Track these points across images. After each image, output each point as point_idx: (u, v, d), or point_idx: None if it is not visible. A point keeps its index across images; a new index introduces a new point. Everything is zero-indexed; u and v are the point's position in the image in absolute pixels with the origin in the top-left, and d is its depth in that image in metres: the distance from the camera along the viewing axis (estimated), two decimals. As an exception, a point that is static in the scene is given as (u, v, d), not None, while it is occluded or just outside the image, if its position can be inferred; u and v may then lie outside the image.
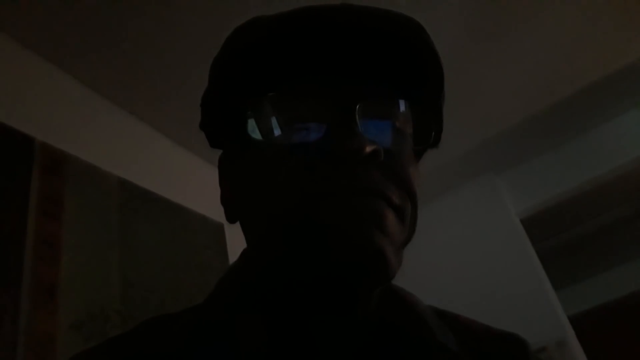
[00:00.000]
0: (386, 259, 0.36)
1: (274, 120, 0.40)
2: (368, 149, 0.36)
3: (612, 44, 2.14)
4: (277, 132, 0.40)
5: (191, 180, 2.06)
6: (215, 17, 1.58)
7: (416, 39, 0.41)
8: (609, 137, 2.71)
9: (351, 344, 0.42)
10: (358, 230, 0.35)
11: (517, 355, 0.49)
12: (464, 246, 2.82)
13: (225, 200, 0.48)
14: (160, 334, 0.43)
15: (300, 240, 0.37)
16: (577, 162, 2.76)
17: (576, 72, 2.27)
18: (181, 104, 1.86)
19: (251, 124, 0.41)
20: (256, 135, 0.40)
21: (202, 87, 0.48)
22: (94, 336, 1.32)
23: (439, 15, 1.74)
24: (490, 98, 2.30)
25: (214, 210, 2.00)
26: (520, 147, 2.78)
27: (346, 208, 0.36)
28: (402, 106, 0.42)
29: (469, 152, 2.66)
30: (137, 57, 1.69)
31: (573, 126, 2.69)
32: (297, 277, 0.39)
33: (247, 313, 0.43)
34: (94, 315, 1.36)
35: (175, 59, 1.73)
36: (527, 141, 2.72)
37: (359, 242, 0.35)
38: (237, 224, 0.46)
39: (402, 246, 0.41)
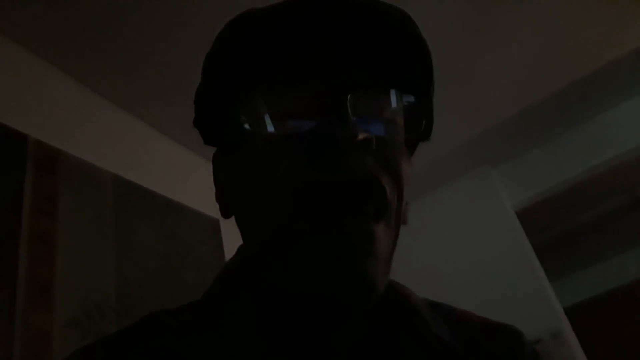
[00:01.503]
0: (375, 286, 0.37)
1: (265, 113, 0.40)
2: (361, 136, 0.36)
3: (606, 35, 2.14)
4: (269, 124, 0.40)
5: (186, 176, 2.06)
6: (211, 14, 1.57)
7: (404, 29, 0.42)
8: (604, 128, 2.72)
9: (347, 339, 0.42)
10: (342, 261, 0.36)
11: (513, 346, 0.50)
12: (459, 239, 2.83)
13: (220, 196, 0.48)
14: (159, 330, 0.43)
15: (289, 256, 0.37)
16: (572, 154, 2.77)
17: (570, 64, 2.27)
18: (175, 99, 1.85)
19: (243, 117, 0.41)
20: (249, 128, 0.40)
21: (197, 83, 0.48)
22: (90, 333, 1.32)
23: (433, 6, 1.74)
24: (484, 90, 2.30)
25: (210, 206, 1.99)
26: (515, 140, 2.78)
27: (337, 229, 0.36)
28: (393, 96, 0.42)
29: (463, 144, 2.67)
30: (130, 53, 1.68)
31: (568, 118, 2.70)
32: (289, 282, 0.39)
33: (243, 311, 0.43)
34: (89, 313, 1.36)
35: (169, 55, 1.72)
36: (522, 133, 2.73)
37: (347, 272, 0.36)
38: (234, 219, 0.46)
39: (391, 254, 0.41)
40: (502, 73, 2.21)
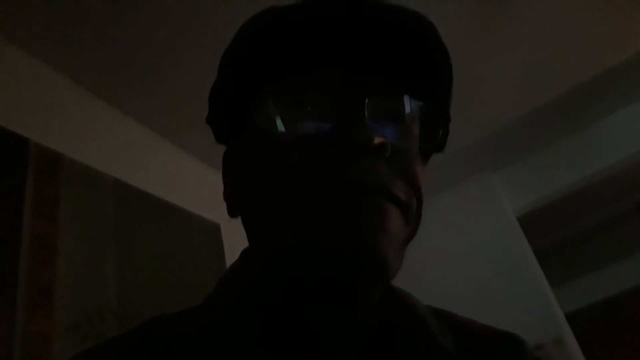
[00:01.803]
0: (386, 262, 0.36)
1: (281, 112, 0.40)
2: (376, 140, 0.36)
3: (607, 40, 2.14)
4: (284, 124, 0.40)
5: (187, 181, 2.06)
6: (212, 17, 1.57)
7: (427, 35, 0.41)
8: (605, 133, 2.72)
9: (350, 346, 0.42)
10: (358, 234, 0.35)
11: (515, 355, 0.49)
12: (460, 245, 2.82)
13: (228, 195, 0.48)
14: (160, 334, 0.43)
15: (297, 243, 0.37)
16: (573, 160, 2.77)
17: (571, 69, 2.28)
18: (177, 104, 1.85)
19: (258, 116, 0.40)
20: (263, 127, 0.40)
21: (199, 87, 0.48)
22: (90, 337, 1.32)
23: (434, 12, 1.73)
24: (485, 95, 2.30)
25: (211, 211, 1.99)
26: (516, 145, 2.78)
27: (344, 210, 0.36)
28: (410, 104, 0.42)
29: (465, 150, 2.67)
30: (132, 57, 1.69)
31: (568, 123, 2.70)
32: (295, 278, 0.39)
33: (246, 314, 0.43)
34: (90, 317, 1.35)
35: (170, 60, 1.72)
36: (523, 139, 2.73)
37: (358, 246, 0.35)
38: (236, 223, 0.46)
39: (405, 243, 0.41)
40: (503, 78, 2.22)
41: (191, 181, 2.06)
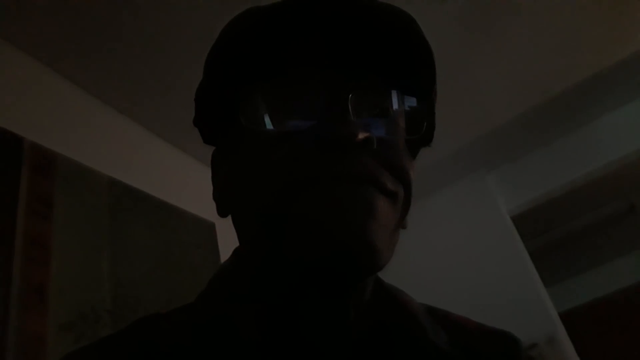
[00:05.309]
0: (376, 249, 0.36)
1: (266, 110, 0.40)
2: (361, 135, 0.36)
3: (602, 41, 2.15)
4: (269, 122, 0.40)
5: (182, 180, 2.05)
6: (207, 17, 1.57)
7: (408, 30, 0.41)
8: (600, 134, 2.73)
9: (344, 344, 0.42)
10: (341, 221, 0.35)
11: (509, 353, 0.50)
12: (455, 244, 2.83)
13: (217, 195, 0.48)
14: (153, 332, 0.43)
15: (280, 234, 0.37)
16: (568, 160, 2.78)
17: (566, 70, 2.28)
18: (172, 102, 1.85)
19: (243, 115, 0.41)
20: (248, 126, 0.40)
21: (193, 86, 0.48)
22: (84, 337, 1.31)
23: (430, 12, 1.74)
24: (480, 95, 2.30)
25: (205, 210, 1.99)
26: (511, 145, 2.79)
27: (329, 197, 0.36)
28: (395, 97, 0.42)
29: (459, 149, 2.67)
30: (127, 56, 1.68)
31: (563, 123, 2.71)
32: (285, 274, 0.39)
33: (238, 312, 0.43)
34: (84, 316, 1.35)
35: (165, 58, 1.72)
36: (517, 138, 2.73)
37: (346, 235, 0.35)
38: (230, 222, 0.46)
39: (395, 231, 0.41)
40: (498, 77, 2.22)
41: (186, 180, 2.06)
